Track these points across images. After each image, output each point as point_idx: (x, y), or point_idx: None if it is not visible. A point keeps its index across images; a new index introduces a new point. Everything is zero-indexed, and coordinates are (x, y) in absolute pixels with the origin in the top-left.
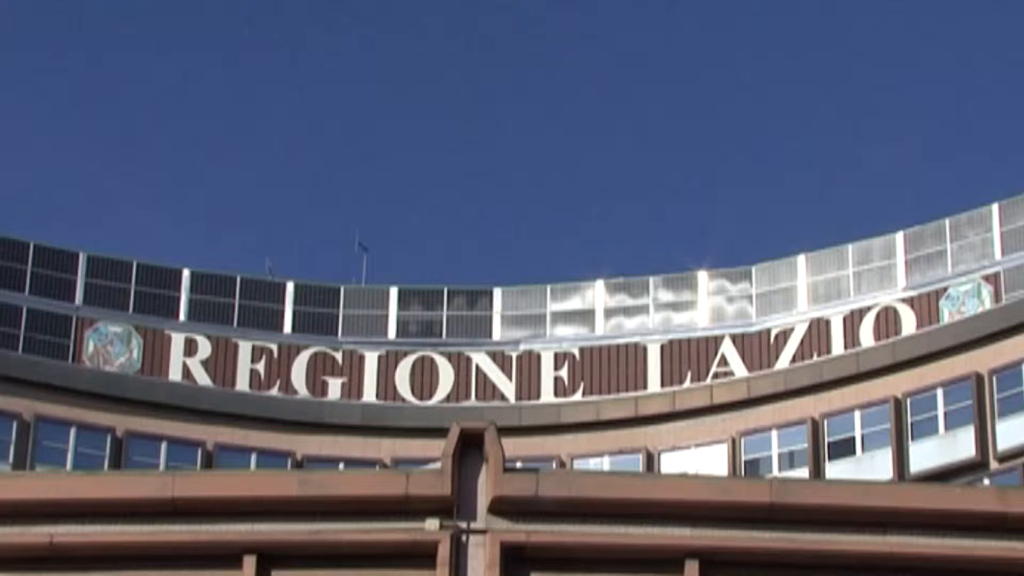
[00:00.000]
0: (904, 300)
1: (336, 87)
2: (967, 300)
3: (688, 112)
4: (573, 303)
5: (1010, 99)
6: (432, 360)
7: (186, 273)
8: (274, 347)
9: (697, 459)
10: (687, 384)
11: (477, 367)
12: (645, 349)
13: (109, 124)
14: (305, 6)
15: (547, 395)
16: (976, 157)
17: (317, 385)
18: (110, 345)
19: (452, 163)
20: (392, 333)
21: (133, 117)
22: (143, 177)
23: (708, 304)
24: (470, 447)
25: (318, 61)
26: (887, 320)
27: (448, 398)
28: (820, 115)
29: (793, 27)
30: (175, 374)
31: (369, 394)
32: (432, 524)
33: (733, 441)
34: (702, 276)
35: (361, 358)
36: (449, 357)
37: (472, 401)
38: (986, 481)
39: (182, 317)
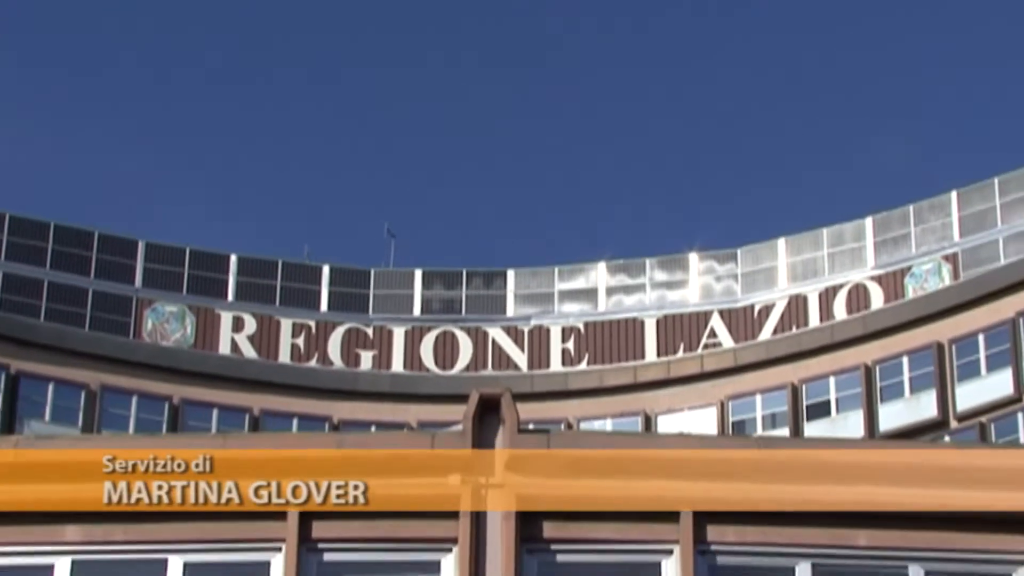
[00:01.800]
0: (873, 278)
1: (367, 84)
2: (929, 278)
3: (681, 112)
4: (578, 283)
5: (968, 95)
6: (453, 334)
7: (233, 258)
8: (312, 323)
9: (690, 420)
10: (680, 354)
11: (493, 340)
12: (642, 323)
13: (163, 124)
14: None
15: (555, 364)
16: (937, 149)
17: (351, 357)
18: (166, 323)
19: (471, 157)
20: (417, 310)
21: (185, 118)
22: (194, 172)
23: (698, 283)
24: (488, 411)
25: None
26: (858, 296)
27: (468, 368)
28: (798, 113)
29: (785, 29)
30: (224, 348)
31: (397, 365)
32: (455, 479)
33: (722, 404)
34: (693, 258)
35: (390, 333)
36: (468, 331)
37: (489, 370)
38: (947, 438)
39: (230, 297)
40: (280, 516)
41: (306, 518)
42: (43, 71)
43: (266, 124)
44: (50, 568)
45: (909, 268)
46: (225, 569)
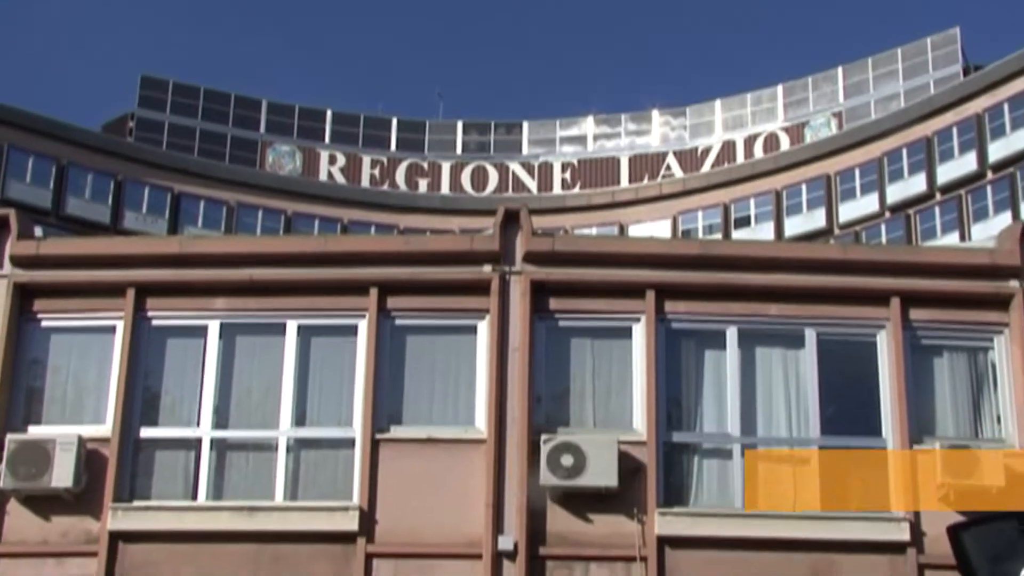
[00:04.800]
0: (783, 128)
1: None
2: (821, 128)
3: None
4: (572, 131)
5: None
6: (484, 167)
7: (329, 112)
8: (385, 159)
9: (652, 229)
10: (645, 182)
11: (513, 172)
12: (619, 160)
13: (281, 12)
14: None
15: (557, 189)
16: (829, 33)
17: (412, 183)
18: (282, 158)
19: (499, 35)
20: (459, 150)
21: (298, 7)
22: (302, 48)
23: (659, 132)
24: (510, 221)
25: None
26: (772, 141)
27: (495, 191)
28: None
29: None
30: (323, 176)
31: (445, 189)
32: (487, 268)
33: (674, 218)
34: (655, 113)
35: (439, 166)
36: (495, 165)
37: (510, 193)
38: (831, 241)
39: (327, 140)
40: (364, 291)
41: (383, 292)
42: None
43: (354, 14)
44: (204, 328)
45: (807, 122)
46: (326, 329)
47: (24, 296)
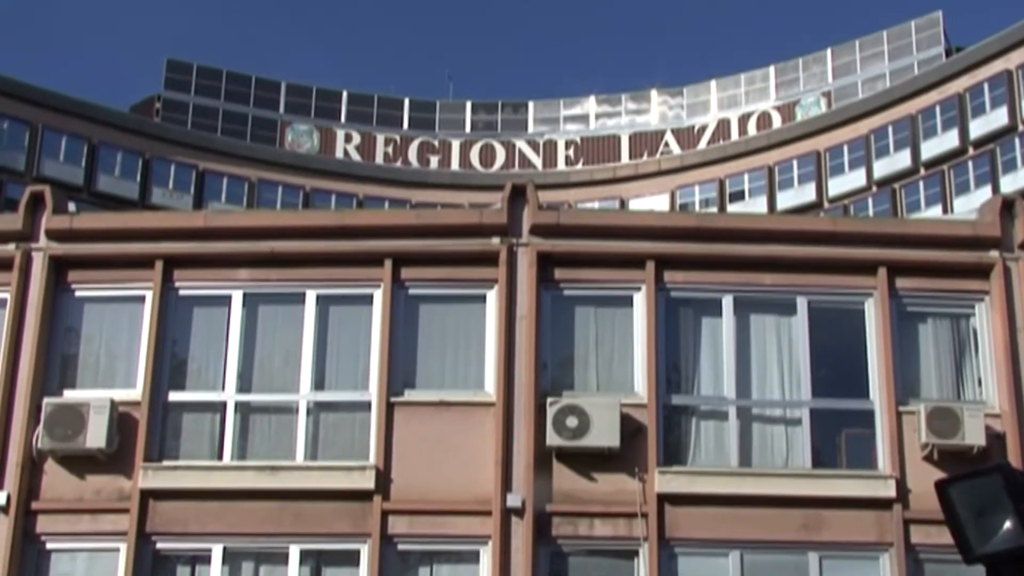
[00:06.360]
0: (775, 107)
1: None
2: (812, 108)
3: None
4: (576, 110)
5: None
6: (492, 145)
7: (344, 93)
8: (398, 138)
9: (651, 203)
10: (645, 158)
11: (519, 149)
12: (619, 138)
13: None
14: None
15: (561, 166)
16: (818, 16)
17: (424, 160)
18: (300, 137)
19: (506, 19)
20: (468, 128)
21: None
22: (320, 32)
23: (658, 110)
24: (517, 195)
25: None
26: (764, 119)
27: (502, 167)
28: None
29: None
30: (339, 154)
31: (455, 165)
32: (495, 240)
33: (672, 192)
34: (654, 93)
35: (450, 144)
36: (502, 143)
37: (516, 169)
38: (821, 214)
39: (343, 120)
40: (379, 262)
41: (397, 264)
42: None
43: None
44: (228, 297)
45: (798, 101)
46: (343, 299)
47: (59, 268)
